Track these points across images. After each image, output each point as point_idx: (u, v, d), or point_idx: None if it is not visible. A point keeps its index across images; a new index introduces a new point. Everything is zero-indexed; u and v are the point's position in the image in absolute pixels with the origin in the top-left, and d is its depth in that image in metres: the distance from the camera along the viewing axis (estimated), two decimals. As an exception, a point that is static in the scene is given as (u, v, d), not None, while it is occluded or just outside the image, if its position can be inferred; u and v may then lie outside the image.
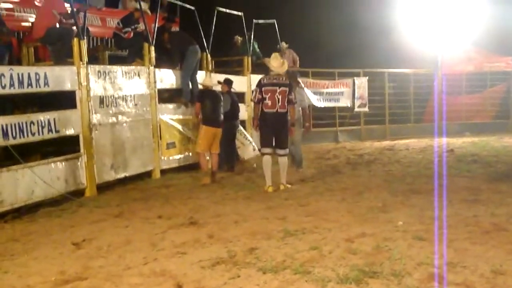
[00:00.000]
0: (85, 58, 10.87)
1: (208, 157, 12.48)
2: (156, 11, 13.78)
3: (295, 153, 13.25)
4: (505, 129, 22.09)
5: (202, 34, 14.76)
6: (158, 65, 13.07)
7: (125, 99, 11.93)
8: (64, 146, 10.79)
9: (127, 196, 10.90)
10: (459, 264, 6.08)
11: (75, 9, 11.35)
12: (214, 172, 12.27)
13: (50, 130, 10.04)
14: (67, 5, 12.03)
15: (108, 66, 11.92)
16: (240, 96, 14.34)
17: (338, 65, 20.98)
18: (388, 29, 23.00)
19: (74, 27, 11.25)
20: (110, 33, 14.58)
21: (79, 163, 10.73)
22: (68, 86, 10.61)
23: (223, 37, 16.95)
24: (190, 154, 13.82)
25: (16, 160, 9.30)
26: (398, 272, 5.85)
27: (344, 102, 20.90)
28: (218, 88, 13.26)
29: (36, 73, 9.82)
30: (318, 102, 20.06)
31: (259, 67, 18.01)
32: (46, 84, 9.98)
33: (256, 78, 16.92)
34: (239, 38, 18.79)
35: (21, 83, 9.42)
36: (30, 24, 13.16)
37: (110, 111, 11.49)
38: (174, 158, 13.44)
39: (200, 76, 13.92)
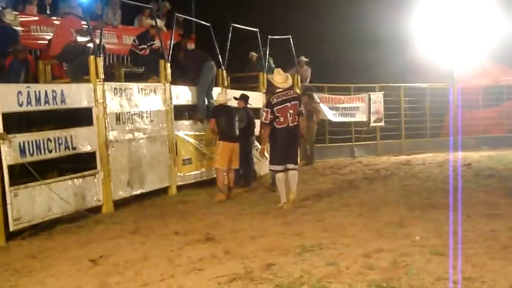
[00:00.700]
0: (102, 75, 10.93)
1: (225, 173, 12.42)
2: (172, 28, 13.85)
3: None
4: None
5: (218, 51, 14.79)
6: (174, 81, 13.10)
7: (141, 115, 11.97)
8: (81, 163, 10.83)
9: (144, 212, 10.92)
10: (478, 280, 6.03)
11: (91, 27, 11.43)
12: (231, 188, 12.24)
13: (67, 147, 10.10)
14: (83, 22, 12.10)
15: (124, 83, 11.99)
16: (256, 112, 14.33)
17: (353, 80, 20.93)
18: (403, 44, 22.97)
19: (91, 45, 11.32)
20: (126, 50, 14.66)
21: (95, 180, 10.76)
22: (84, 103, 10.67)
23: (238, 53, 16.99)
24: (206, 170, 13.82)
25: (33, 177, 9.34)
26: (416, 288, 5.82)
27: (360, 117, 20.85)
28: (233, 103, 13.26)
29: (53, 91, 9.90)
30: (334, 117, 20.03)
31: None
32: (63, 101, 10.05)
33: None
34: (254, 55, 18.81)
35: (38, 100, 9.48)
36: (46, 42, 13.29)
37: (127, 128, 11.53)
38: (190, 174, 13.44)
39: (215, 92, 13.93)
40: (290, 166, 10.87)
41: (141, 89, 12.08)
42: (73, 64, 11.80)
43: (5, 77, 11.00)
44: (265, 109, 10.93)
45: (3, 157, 8.78)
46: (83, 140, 10.50)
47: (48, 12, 14.84)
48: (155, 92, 12.42)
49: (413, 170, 16.15)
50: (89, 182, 10.64)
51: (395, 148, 21.64)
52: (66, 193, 10.03)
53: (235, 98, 13.54)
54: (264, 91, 16.09)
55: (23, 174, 9.52)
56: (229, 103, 12.94)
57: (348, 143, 20.83)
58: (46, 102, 9.69)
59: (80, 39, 11.96)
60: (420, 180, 14.05)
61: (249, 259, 7.19)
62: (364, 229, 8.69)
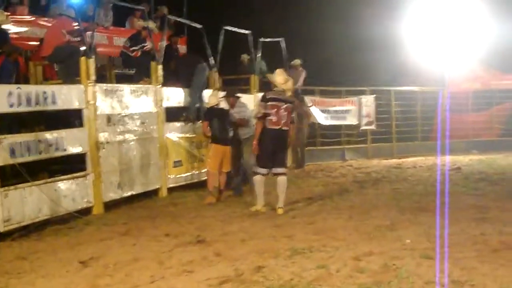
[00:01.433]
0: (93, 77, 10.91)
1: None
2: (163, 30, 13.84)
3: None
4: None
5: (210, 53, 14.78)
6: (166, 83, 13.08)
7: (132, 117, 11.95)
8: (72, 164, 10.80)
9: (134, 214, 10.90)
10: (467, 283, 6.06)
11: (82, 28, 11.41)
12: (222, 190, 12.22)
13: (57, 149, 10.06)
14: (75, 24, 12.08)
15: (116, 85, 11.99)
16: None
17: (344, 84, 20.98)
18: (394, 47, 23.03)
19: (82, 46, 11.30)
20: (118, 52, 14.64)
21: (86, 181, 10.73)
22: (75, 105, 10.64)
23: (230, 55, 16.99)
24: (197, 172, 13.81)
25: (23, 179, 9.31)
26: (406, 291, 5.84)
27: (351, 120, 20.84)
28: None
29: (44, 92, 9.87)
30: (325, 120, 20.03)
31: (266, 85, 18.03)
32: (53, 102, 10.02)
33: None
34: (245, 57, 18.79)
35: (28, 101, 9.46)
36: (37, 43, 13.26)
37: (117, 130, 11.51)
38: (181, 176, 13.42)
39: (206, 94, 13.89)
40: (279, 170, 10.66)
41: (133, 91, 12.06)
42: (64, 65, 11.78)
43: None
44: (260, 102, 10.78)
45: (-7, 158, 8.76)
46: (73, 141, 10.47)
47: (39, 12, 14.79)
48: (146, 94, 12.41)
49: (403, 173, 16.19)
50: (80, 183, 10.61)
51: (386, 151, 21.66)
52: (57, 195, 10.01)
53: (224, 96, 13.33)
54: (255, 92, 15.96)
55: (13, 175, 9.50)
56: (221, 105, 12.82)
57: (339, 146, 20.84)
58: (37, 103, 9.65)
59: (71, 40, 11.94)
60: (410, 183, 14.09)
61: (239, 262, 7.19)
62: (355, 232, 8.71)
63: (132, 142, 11.92)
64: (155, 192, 12.67)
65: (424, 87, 22.75)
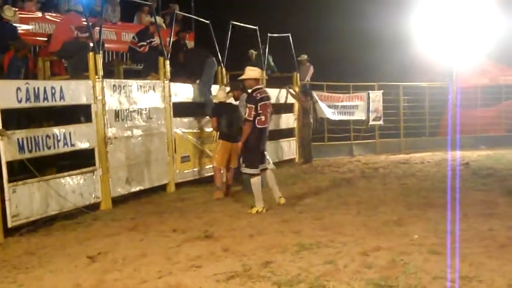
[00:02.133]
0: (101, 72, 10.93)
1: (222, 171, 12.34)
2: (171, 25, 13.85)
3: None
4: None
5: (217, 48, 14.78)
6: (173, 79, 13.09)
7: (140, 112, 11.97)
8: (80, 160, 10.83)
9: (142, 209, 10.92)
10: (475, 278, 6.05)
11: (90, 24, 11.42)
12: (229, 186, 12.22)
13: (65, 144, 10.09)
14: (83, 19, 12.10)
15: (124, 80, 11.99)
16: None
17: (352, 79, 20.92)
18: (402, 43, 22.95)
19: (90, 42, 11.31)
20: (126, 47, 14.66)
21: (94, 177, 10.77)
22: (83, 100, 10.67)
23: (238, 51, 16.98)
24: (205, 167, 13.82)
25: (31, 174, 9.34)
26: (414, 286, 5.85)
27: (359, 115, 20.82)
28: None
29: (52, 87, 9.88)
30: (333, 115, 20.01)
31: (274, 80, 18.04)
32: (62, 98, 10.04)
33: (271, 92, 17.00)
34: (253, 52, 18.83)
35: (37, 97, 9.48)
36: (45, 39, 13.29)
37: (125, 125, 11.53)
38: (188, 171, 13.45)
39: (214, 90, 13.88)
40: (265, 165, 10.70)
41: (140, 86, 12.07)
42: (73, 61, 11.80)
43: (5, 73, 11.02)
44: (249, 105, 10.32)
45: (1, 153, 8.76)
46: (82, 136, 10.50)
47: (47, 8, 14.82)
48: (154, 89, 12.42)
49: (411, 169, 16.16)
50: (88, 179, 10.64)
51: (394, 146, 21.63)
52: (65, 190, 10.04)
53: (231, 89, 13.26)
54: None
55: (21, 170, 9.52)
56: (229, 101, 12.80)
57: (347, 142, 20.80)
58: (45, 98, 9.67)
59: (80, 35, 11.95)
60: (418, 179, 14.06)
61: (247, 257, 7.20)
62: (362, 228, 8.71)
63: (140, 138, 11.94)
64: (163, 188, 12.69)
65: (433, 83, 22.69)
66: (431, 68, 22.68)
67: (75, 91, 10.43)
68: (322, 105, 19.48)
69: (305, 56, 19.99)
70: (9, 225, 8.86)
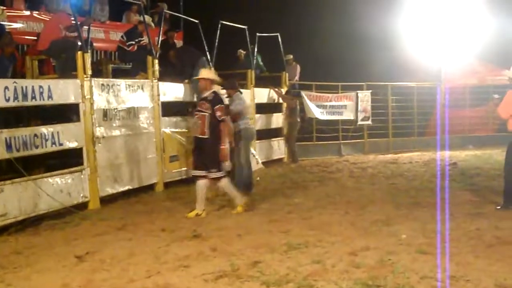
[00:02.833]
0: (89, 71, 10.90)
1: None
2: (160, 24, 13.83)
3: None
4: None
5: (206, 47, 14.77)
6: (162, 78, 13.06)
7: (129, 112, 11.94)
8: (68, 159, 10.80)
9: (131, 209, 10.90)
10: (463, 278, 6.08)
11: (79, 23, 11.38)
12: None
13: (53, 143, 10.05)
14: (72, 18, 12.06)
15: (112, 79, 11.97)
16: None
17: (341, 79, 20.96)
18: (391, 43, 23.03)
19: (78, 41, 11.27)
20: (114, 47, 14.62)
21: (82, 176, 10.73)
22: (71, 99, 10.63)
23: (226, 50, 16.98)
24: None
25: (19, 173, 9.31)
26: (402, 286, 5.86)
27: (348, 115, 20.86)
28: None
29: (40, 86, 9.85)
30: (322, 115, 20.03)
31: (263, 80, 18.05)
32: (50, 97, 10.00)
33: (259, 91, 17.00)
34: (242, 52, 18.85)
35: (25, 96, 9.44)
36: (34, 38, 13.23)
37: (114, 124, 11.50)
38: (177, 171, 13.42)
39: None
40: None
41: (129, 86, 12.04)
42: (61, 60, 11.76)
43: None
44: (220, 106, 9.99)
45: (-11, 153, 8.75)
46: (70, 136, 10.47)
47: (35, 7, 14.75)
48: (142, 88, 12.40)
49: (400, 168, 16.20)
50: (76, 178, 10.60)
51: (382, 146, 21.70)
52: (53, 189, 9.99)
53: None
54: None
55: (9, 170, 9.49)
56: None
57: (336, 142, 20.84)
58: (33, 97, 9.64)
59: (68, 34, 11.91)
60: (406, 179, 14.11)
61: (235, 257, 7.20)
62: (351, 227, 8.73)
63: (128, 137, 11.92)
64: (151, 187, 12.67)
65: (421, 83, 22.76)
66: (419, 68, 22.74)
67: (63, 90, 10.40)
68: (311, 105, 19.51)
69: (290, 56, 20.05)
70: (-3, 224, 8.84)
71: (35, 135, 9.65)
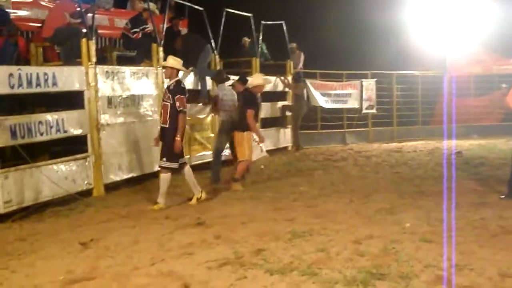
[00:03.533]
0: (94, 59, 10.88)
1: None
2: (165, 12, 13.80)
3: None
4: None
5: (211, 35, 14.73)
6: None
7: (133, 99, 11.94)
8: (72, 146, 10.80)
9: (135, 196, 10.91)
10: (467, 267, 6.07)
11: (83, 10, 11.36)
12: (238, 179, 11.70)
13: (58, 130, 10.06)
14: (76, 5, 12.03)
15: (116, 67, 11.94)
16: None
17: (346, 67, 20.91)
18: (396, 31, 22.97)
19: (83, 28, 11.25)
20: (119, 34, 14.58)
21: (86, 163, 10.74)
22: (76, 86, 10.63)
23: (231, 38, 16.94)
24: (197, 155, 13.81)
25: (24, 160, 9.32)
26: (406, 274, 5.86)
27: (352, 104, 20.85)
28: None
29: (45, 73, 9.85)
30: (326, 103, 20.01)
31: (267, 68, 18.01)
32: (54, 84, 10.01)
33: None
34: (247, 40, 18.80)
35: (29, 83, 9.44)
36: (39, 25, 13.20)
37: (118, 111, 11.50)
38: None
39: (255, 78, 12.84)
40: (184, 159, 10.24)
41: (133, 73, 12.03)
42: (66, 47, 11.74)
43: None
44: (181, 96, 9.70)
45: (-6, 139, 8.76)
46: (74, 123, 10.47)
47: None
48: (147, 76, 12.38)
49: (404, 157, 16.20)
50: (80, 165, 10.62)
51: (387, 135, 21.69)
52: (57, 176, 10.01)
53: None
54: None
55: (14, 156, 9.50)
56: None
57: (340, 130, 20.84)
58: (38, 84, 9.64)
59: (72, 21, 11.89)
60: (411, 167, 14.10)
61: (239, 244, 7.21)
62: (355, 216, 8.73)
63: (133, 124, 11.91)
64: (155, 175, 12.64)
65: (426, 71, 22.71)
66: (424, 57, 22.67)
67: (68, 77, 10.40)
68: (315, 93, 19.49)
69: (294, 44, 19.97)
70: (1, 211, 8.86)
71: (40, 122, 9.65)
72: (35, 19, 13.56)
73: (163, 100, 9.86)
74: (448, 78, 22.31)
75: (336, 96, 20.38)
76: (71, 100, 10.95)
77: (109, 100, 11.30)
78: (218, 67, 14.83)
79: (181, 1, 15.90)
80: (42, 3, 13.91)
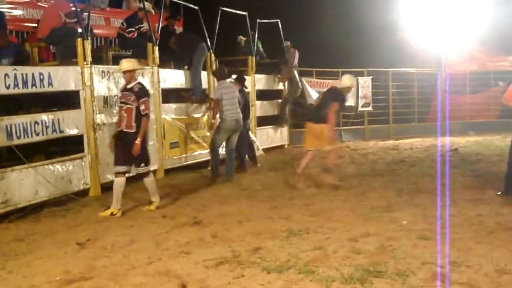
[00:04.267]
0: (89, 58, 10.87)
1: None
2: (160, 11, 13.79)
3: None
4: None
5: (206, 34, 14.72)
6: (162, 65, 13.04)
7: (129, 99, 11.91)
8: (68, 146, 10.79)
9: (131, 195, 10.89)
10: (463, 264, 6.09)
11: (79, 9, 11.35)
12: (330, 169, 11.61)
13: (54, 130, 10.04)
14: (71, 5, 12.01)
15: (112, 66, 11.91)
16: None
17: (342, 65, 20.89)
18: (392, 28, 22.95)
19: (79, 27, 11.24)
20: (114, 33, 14.58)
21: (83, 163, 10.73)
22: (72, 86, 10.61)
23: (227, 37, 16.93)
24: (193, 154, 13.81)
25: (20, 160, 9.30)
26: (403, 272, 5.87)
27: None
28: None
29: (40, 73, 9.83)
30: (322, 101, 19.98)
31: (263, 66, 18.02)
32: (50, 84, 9.98)
33: (260, 78, 16.96)
34: (242, 38, 18.79)
35: (25, 83, 9.43)
36: (34, 24, 13.19)
37: (114, 111, 11.47)
38: (177, 158, 13.41)
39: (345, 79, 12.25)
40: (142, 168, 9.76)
41: (129, 72, 12.00)
42: (61, 47, 11.73)
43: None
44: (145, 99, 9.38)
45: (-11, 140, 8.75)
46: (70, 123, 10.45)
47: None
48: (143, 75, 12.35)
49: (400, 155, 16.21)
50: (77, 165, 10.60)
51: (383, 133, 21.70)
52: (53, 176, 10.00)
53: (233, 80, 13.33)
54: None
55: (10, 157, 9.48)
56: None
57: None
58: (33, 84, 9.62)
59: (68, 21, 11.87)
60: (407, 165, 14.11)
61: (236, 243, 7.22)
62: (351, 214, 8.75)
63: (129, 124, 11.88)
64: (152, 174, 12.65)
65: (422, 69, 22.73)
66: (420, 54, 22.69)
67: (63, 77, 10.38)
68: (311, 91, 19.45)
69: (288, 42, 19.94)
70: (-2, 212, 8.85)
71: (36, 122, 9.64)
72: (30, 19, 13.56)
73: (125, 103, 9.38)
74: (442, 75, 22.34)
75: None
76: (67, 100, 10.95)
77: (105, 100, 11.28)
78: (214, 66, 14.83)
79: (176, 0, 15.89)
80: (38, 3, 13.91)
